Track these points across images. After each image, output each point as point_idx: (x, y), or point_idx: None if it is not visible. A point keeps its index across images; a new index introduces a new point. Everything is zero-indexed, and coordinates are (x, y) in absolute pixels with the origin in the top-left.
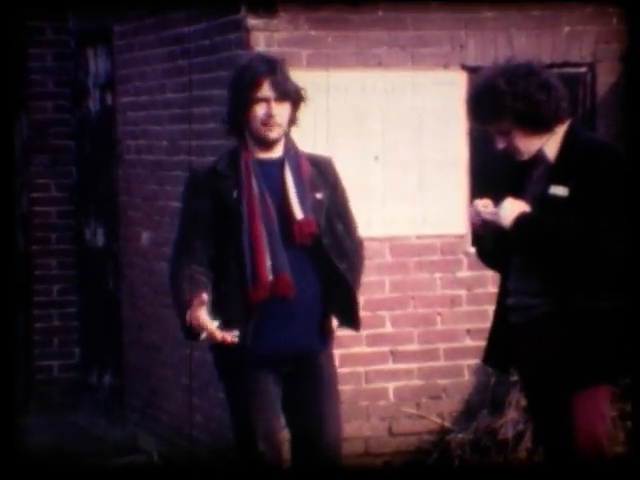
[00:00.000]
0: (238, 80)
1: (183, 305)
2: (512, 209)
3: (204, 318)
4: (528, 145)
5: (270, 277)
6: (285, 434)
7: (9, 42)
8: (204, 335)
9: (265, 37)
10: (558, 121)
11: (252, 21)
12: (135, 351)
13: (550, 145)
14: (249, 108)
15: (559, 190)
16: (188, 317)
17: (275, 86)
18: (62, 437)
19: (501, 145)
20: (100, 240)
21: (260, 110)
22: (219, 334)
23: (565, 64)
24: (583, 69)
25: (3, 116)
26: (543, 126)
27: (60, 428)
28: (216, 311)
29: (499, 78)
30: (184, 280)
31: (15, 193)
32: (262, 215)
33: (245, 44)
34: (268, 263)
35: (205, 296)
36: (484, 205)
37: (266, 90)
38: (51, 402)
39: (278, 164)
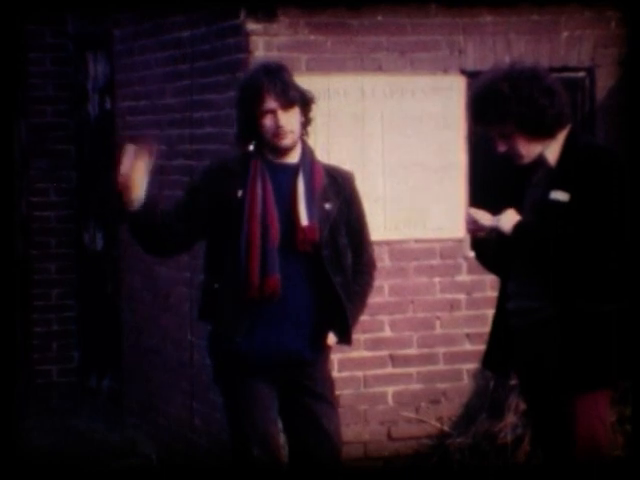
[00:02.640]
0: (243, 95)
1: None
2: (512, 216)
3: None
4: (529, 149)
5: (260, 278)
6: (282, 438)
7: (9, 46)
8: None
9: (264, 42)
10: (560, 126)
11: (252, 26)
12: (134, 355)
13: (551, 150)
14: (258, 121)
15: (560, 195)
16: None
17: (278, 96)
18: (61, 441)
19: (502, 148)
20: (99, 244)
21: (268, 122)
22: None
23: (564, 69)
24: (582, 74)
25: (3, 120)
26: (545, 131)
27: (59, 432)
28: (210, 310)
29: (503, 82)
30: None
31: (14, 197)
32: (261, 217)
33: (244, 49)
34: (260, 264)
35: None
36: (480, 215)
37: (270, 102)
38: (50, 406)
39: (292, 170)
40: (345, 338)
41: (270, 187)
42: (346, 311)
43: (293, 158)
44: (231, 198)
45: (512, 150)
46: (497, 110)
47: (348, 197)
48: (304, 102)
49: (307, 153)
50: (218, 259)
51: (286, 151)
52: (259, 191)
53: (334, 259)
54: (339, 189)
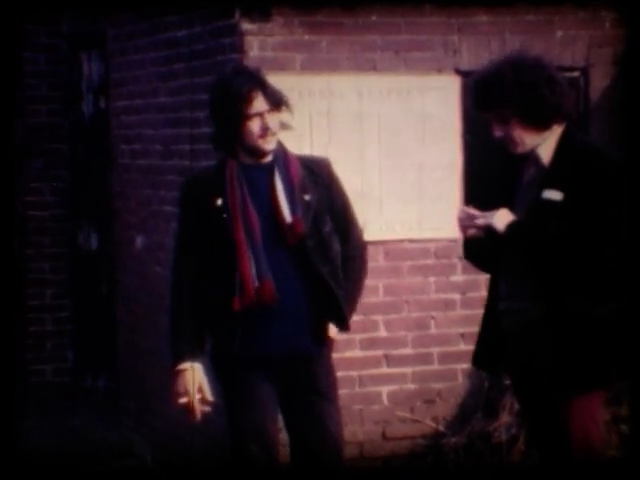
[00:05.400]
0: (225, 97)
1: (180, 352)
2: (506, 215)
3: (190, 389)
4: (525, 138)
5: (256, 284)
6: (283, 436)
7: (7, 47)
8: (184, 400)
9: (259, 41)
10: (558, 118)
11: (246, 25)
12: (129, 355)
13: (544, 147)
14: (242, 124)
15: (553, 194)
16: (178, 383)
17: (267, 99)
18: (56, 441)
19: (498, 133)
20: (94, 244)
21: (255, 124)
22: (196, 409)
23: (558, 68)
24: (576, 73)
25: (1, 121)
26: (543, 120)
27: (54, 432)
28: (204, 320)
29: (506, 66)
30: (187, 321)
31: (14, 198)
32: (244, 221)
33: (239, 48)
34: (253, 271)
35: (203, 377)
36: (472, 214)
37: (259, 104)
38: (44, 406)
39: (267, 169)
40: (343, 326)
41: (246, 189)
42: (339, 299)
43: (267, 158)
44: (212, 208)
45: (507, 136)
46: (497, 93)
47: (327, 184)
48: (284, 104)
49: (279, 149)
50: (208, 274)
51: (265, 154)
52: (238, 196)
53: (319, 249)
54: (316, 178)
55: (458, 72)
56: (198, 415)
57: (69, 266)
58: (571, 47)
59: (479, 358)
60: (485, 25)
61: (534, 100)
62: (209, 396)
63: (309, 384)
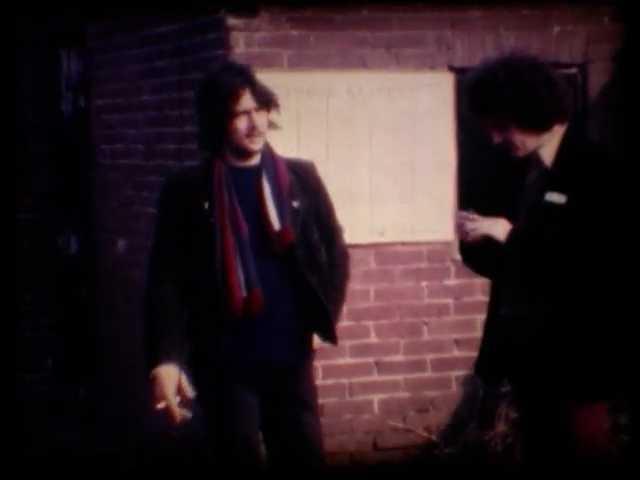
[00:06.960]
0: (212, 94)
1: (155, 354)
2: (505, 224)
3: (168, 392)
4: (526, 141)
5: (244, 294)
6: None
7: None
8: (161, 405)
9: (245, 37)
10: (558, 119)
11: (232, 21)
12: (111, 361)
13: (546, 148)
14: (229, 122)
15: (555, 197)
16: (155, 387)
17: (255, 96)
18: (37, 451)
19: (497, 139)
20: (74, 247)
21: (242, 123)
22: (176, 412)
23: (556, 65)
24: (574, 70)
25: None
26: (543, 123)
27: (34, 442)
28: (188, 327)
29: (501, 69)
30: (162, 322)
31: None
32: (232, 228)
33: (225, 44)
34: (241, 279)
35: (180, 376)
36: (472, 219)
37: (246, 102)
38: (22, 415)
39: (254, 172)
40: (330, 338)
41: (234, 194)
42: (328, 311)
43: (254, 160)
44: (198, 211)
45: (507, 141)
46: (493, 98)
47: (314, 190)
48: (273, 105)
49: (267, 152)
50: (191, 275)
51: (252, 154)
52: (226, 200)
53: (308, 258)
54: (304, 184)
55: (452, 69)
56: (178, 418)
57: (48, 271)
58: (568, 43)
59: (481, 366)
60: (479, 20)
61: (533, 103)
62: (190, 394)
63: (292, 394)
